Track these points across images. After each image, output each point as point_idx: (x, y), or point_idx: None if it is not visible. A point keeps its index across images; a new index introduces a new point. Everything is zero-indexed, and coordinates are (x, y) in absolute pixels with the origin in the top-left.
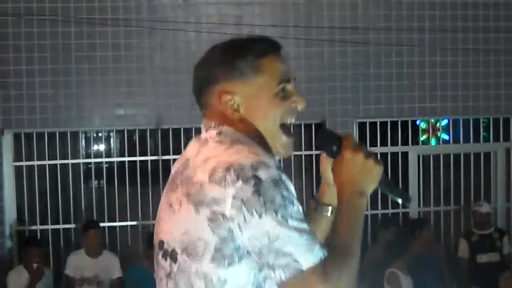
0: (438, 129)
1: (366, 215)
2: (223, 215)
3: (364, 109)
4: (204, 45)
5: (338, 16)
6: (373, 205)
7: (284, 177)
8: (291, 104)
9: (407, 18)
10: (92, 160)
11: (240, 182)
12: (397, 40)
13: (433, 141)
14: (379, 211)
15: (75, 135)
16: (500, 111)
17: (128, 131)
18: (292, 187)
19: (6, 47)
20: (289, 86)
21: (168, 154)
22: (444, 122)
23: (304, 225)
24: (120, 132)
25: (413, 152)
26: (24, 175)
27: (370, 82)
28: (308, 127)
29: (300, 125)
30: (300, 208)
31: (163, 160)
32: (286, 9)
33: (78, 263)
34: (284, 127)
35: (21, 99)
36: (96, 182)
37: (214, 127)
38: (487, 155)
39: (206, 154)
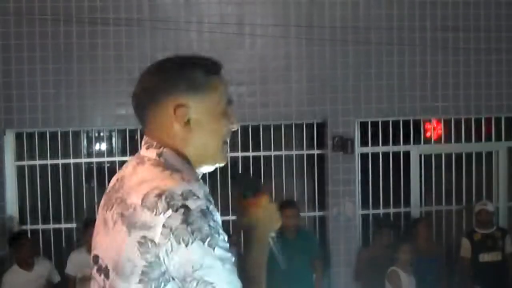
0: (440, 129)
1: (367, 215)
2: (152, 241)
3: (366, 108)
4: (206, 45)
5: (340, 16)
6: (375, 204)
7: (211, 207)
8: (231, 123)
9: (408, 17)
10: (94, 159)
11: (170, 210)
12: (398, 39)
13: (434, 141)
14: (381, 211)
15: (76, 134)
16: (502, 110)
17: (130, 130)
18: (218, 217)
19: (8, 47)
20: (231, 106)
21: None
22: (446, 121)
23: (228, 255)
24: (121, 132)
25: (415, 152)
26: (26, 175)
27: (371, 81)
28: (309, 126)
29: (302, 125)
30: (226, 237)
31: None
32: (288, 8)
33: (79, 262)
34: (225, 144)
35: (23, 99)
36: (97, 182)
37: (155, 147)
38: (489, 155)
39: (141, 176)
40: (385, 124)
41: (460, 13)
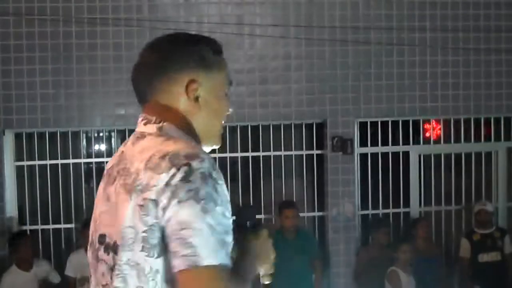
0: (439, 129)
1: (366, 215)
2: (152, 201)
3: (365, 108)
4: None
5: (339, 16)
6: (374, 205)
7: (215, 175)
8: (229, 105)
9: (408, 17)
10: (93, 159)
11: (173, 169)
12: (398, 39)
13: (434, 142)
14: (380, 211)
15: (76, 134)
16: (502, 111)
17: (129, 130)
18: (222, 188)
19: (7, 47)
20: (231, 89)
21: None
22: (445, 122)
23: (220, 227)
24: (121, 132)
25: (414, 152)
26: (25, 175)
27: (371, 81)
28: (309, 126)
29: (301, 125)
30: (226, 211)
31: None
32: (287, 8)
33: (78, 263)
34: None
35: (22, 99)
36: (97, 182)
37: (154, 122)
38: (488, 155)
39: (143, 145)
40: (385, 124)
41: (460, 13)
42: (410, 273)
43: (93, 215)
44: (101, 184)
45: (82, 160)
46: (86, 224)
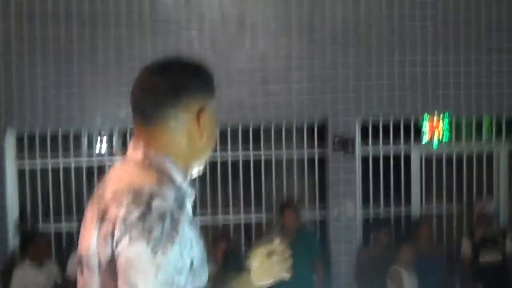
0: (441, 129)
1: (367, 215)
2: (113, 235)
3: (367, 108)
4: (207, 45)
5: (341, 15)
6: (375, 204)
7: (177, 214)
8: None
9: (409, 17)
10: (95, 159)
11: (132, 206)
12: (399, 39)
13: (435, 141)
14: (381, 211)
15: (77, 135)
16: (503, 110)
17: (130, 130)
18: (182, 227)
19: (9, 48)
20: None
21: None
22: (447, 121)
23: (171, 268)
24: (122, 132)
25: (416, 151)
26: (27, 175)
27: (372, 81)
28: (310, 126)
29: (302, 125)
30: (184, 251)
31: None
32: (289, 8)
33: None
34: None
35: (24, 99)
36: (98, 182)
37: (142, 146)
38: (489, 155)
39: (121, 176)
40: (386, 124)
41: (461, 13)
42: (412, 273)
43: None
44: (88, 204)
45: (84, 159)
46: None
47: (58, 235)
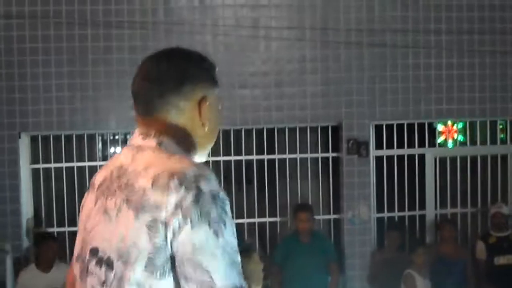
0: (455, 131)
1: (382, 218)
2: (162, 222)
3: (381, 111)
4: (221, 48)
5: (355, 18)
6: (390, 208)
7: (222, 195)
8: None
9: (423, 20)
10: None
11: (182, 190)
12: (413, 42)
13: (450, 143)
14: (396, 214)
15: (91, 137)
16: None
17: None
18: (228, 208)
19: (23, 50)
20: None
21: None
22: (461, 124)
23: (230, 248)
24: None
25: (430, 154)
26: (41, 178)
27: (387, 84)
28: (324, 129)
29: (316, 127)
30: (234, 230)
31: None
32: (303, 11)
33: None
34: None
35: (38, 102)
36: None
37: (154, 136)
38: (504, 157)
39: (146, 162)
40: (400, 127)
41: (475, 15)
42: (426, 276)
43: (81, 226)
44: (91, 196)
45: (98, 163)
46: None
47: (73, 237)
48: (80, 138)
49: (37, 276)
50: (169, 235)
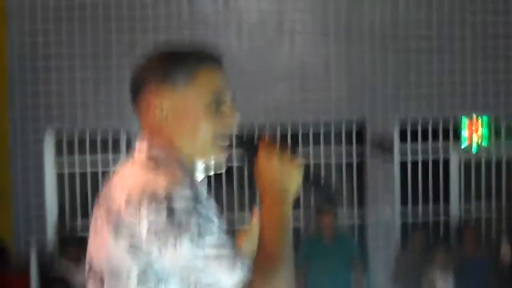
0: (480, 132)
1: (406, 223)
2: (140, 249)
3: (405, 111)
4: (245, 50)
5: (379, 17)
6: (414, 209)
7: (199, 205)
8: (223, 118)
9: (448, 24)
10: None
11: (153, 211)
12: (438, 47)
13: (474, 147)
14: (420, 215)
15: (117, 132)
16: None
17: None
18: (207, 213)
19: (48, 51)
20: (223, 100)
21: None
22: (486, 125)
23: (223, 251)
24: None
25: (455, 155)
26: (66, 176)
27: (411, 84)
28: (348, 130)
29: (340, 128)
30: (220, 233)
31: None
32: (327, 10)
33: None
34: (219, 140)
35: (63, 102)
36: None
37: (146, 140)
38: None
39: (127, 176)
40: (425, 127)
41: (500, 20)
42: (448, 278)
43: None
44: (97, 204)
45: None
46: None
47: None
48: (104, 137)
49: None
50: (152, 260)
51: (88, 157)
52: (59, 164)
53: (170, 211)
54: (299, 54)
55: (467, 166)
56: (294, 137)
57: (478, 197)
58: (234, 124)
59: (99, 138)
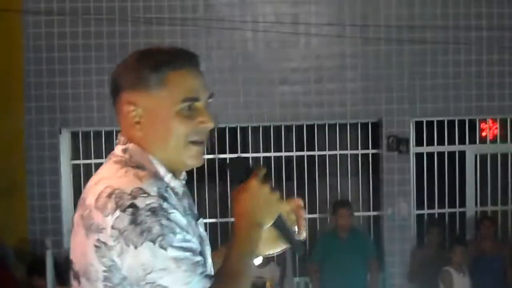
0: (496, 128)
1: (422, 215)
2: (106, 245)
3: (421, 107)
4: (261, 44)
5: (395, 14)
6: (430, 204)
7: (166, 204)
8: (197, 123)
9: (464, 16)
10: None
11: (118, 211)
12: (454, 38)
13: (490, 140)
14: (436, 211)
15: None
16: None
17: None
18: (175, 215)
19: (64, 46)
20: (197, 104)
21: (225, 152)
22: (501, 120)
23: (185, 254)
24: None
25: (471, 151)
26: (82, 173)
27: (427, 80)
28: (364, 126)
29: (356, 124)
30: (186, 235)
31: (219, 159)
32: (342, 7)
33: None
34: (194, 143)
35: (79, 99)
36: None
37: (122, 142)
38: None
39: (100, 175)
40: (441, 123)
41: None
42: (464, 274)
43: None
44: None
45: None
46: None
47: None
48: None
49: None
50: (115, 259)
51: (104, 159)
52: (74, 165)
53: (134, 210)
54: (315, 48)
55: (483, 161)
56: (310, 131)
57: (494, 192)
58: (208, 129)
59: (114, 137)
